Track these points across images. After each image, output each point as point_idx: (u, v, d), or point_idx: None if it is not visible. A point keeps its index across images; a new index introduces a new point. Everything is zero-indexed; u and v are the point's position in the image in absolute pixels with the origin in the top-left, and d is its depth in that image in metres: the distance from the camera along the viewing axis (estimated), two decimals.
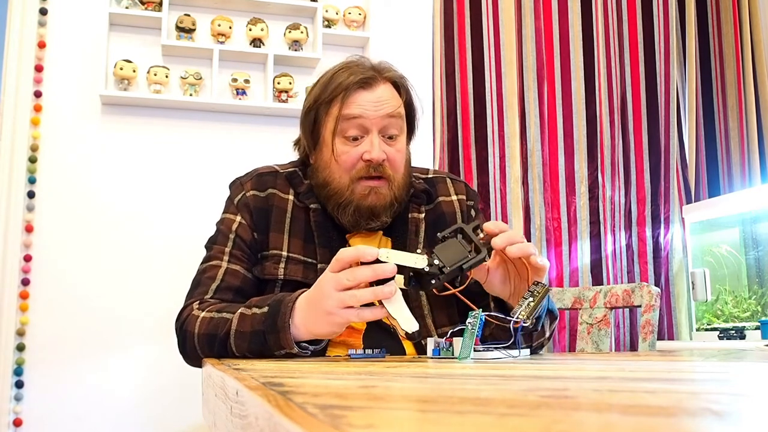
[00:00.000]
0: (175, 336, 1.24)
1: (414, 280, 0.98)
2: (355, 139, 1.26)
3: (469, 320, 0.97)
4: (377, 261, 0.96)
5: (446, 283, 1.00)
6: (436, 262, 0.96)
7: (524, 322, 1.01)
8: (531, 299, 1.03)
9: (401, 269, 0.96)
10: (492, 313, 1.04)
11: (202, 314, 1.17)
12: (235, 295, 1.24)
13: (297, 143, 1.40)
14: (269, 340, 1.05)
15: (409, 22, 2.78)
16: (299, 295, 1.07)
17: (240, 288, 1.25)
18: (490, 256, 1.00)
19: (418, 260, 0.95)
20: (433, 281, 0.96)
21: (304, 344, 1.07)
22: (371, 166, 1.25)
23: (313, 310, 1.02)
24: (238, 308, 1.12)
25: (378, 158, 1.25)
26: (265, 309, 1.08)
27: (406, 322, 0.94)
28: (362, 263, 0.98)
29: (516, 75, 2.75)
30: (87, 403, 2.29)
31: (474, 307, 1.05)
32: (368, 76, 1.28)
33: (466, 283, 1.04)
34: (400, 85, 1.32)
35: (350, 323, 0.98)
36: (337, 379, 0.60)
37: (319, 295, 1.01)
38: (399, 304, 0.94)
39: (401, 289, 0.98)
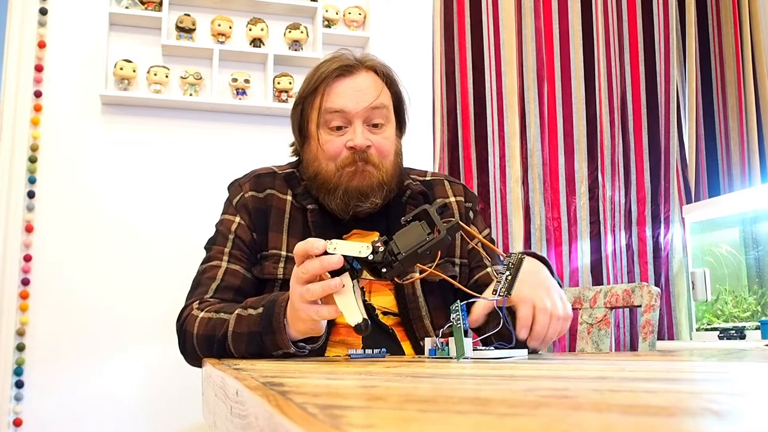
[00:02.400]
0: (176, 335, 1.24)
1: (370, 271, 0.96)
2: (339, 128, 1.27)
3: (452, 316, 0.97)
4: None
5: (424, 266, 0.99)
6: (394, 249, 0.93)
7: (506, 296, 1.01)
8: (508, 273, 1.03)
9: (359, 261, 0.94)
10: (471, 300, 1.03)
11: (201, 314, 1.17)
12: (236, 295, 1.24)
13: (292, 144, 1.41)
14: (266, 342, 1.05)
15: (409, 22, 2.78)
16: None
17: (240, 287, 1.25)
18: (452, 237, 0.96)
19: (362, 250, 0.93)
20: (384, 270, 0.93)
21: (301, 344, 1.07)
22: (356, 153, 1.26)
23: (290, 307, 1.02)
24: (236, 309, 1.12)
25: (361, 145, 1.25)
26: (260, 310, 1.07)
27: (350, 314, 0.92)
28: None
29: (516, 75, 2.75)
30: (87, 403, 2.29)
31: (463, 288, 1.04)
32: (348, 64, 1.29)
33: (429, 270, 1.02)
34: (382, 74, 1.32)
35: (313, 319, 0.98)
36: (337, 379, 0.60)
37: (290, 290, 1.01)
38: (348, 296, 0.92)
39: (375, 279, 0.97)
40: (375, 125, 1.29)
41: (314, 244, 0.94)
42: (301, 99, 1.32)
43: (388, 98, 1.31)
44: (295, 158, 1.42)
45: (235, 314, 1.11)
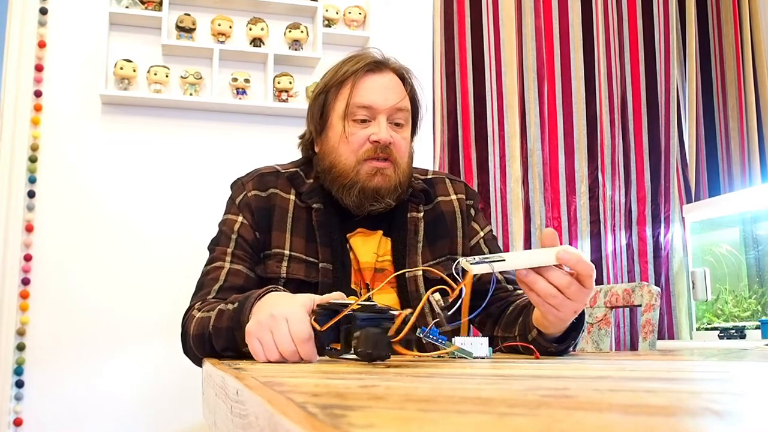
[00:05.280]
0: (180, 337, 1.24)
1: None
2: (364, 121, 1.29)
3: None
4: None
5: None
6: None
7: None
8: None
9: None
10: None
11: (198, 314, 1.17)
12: (238, 294, 1.24)
13: (302, 137, 1.41)
14: (237, 337, 1.04)
15: (409, 21, 2.78)
16: (263, 293, 1.04)
17: (243, 287, 1.25)
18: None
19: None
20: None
21: None
22: (378, 147, 1.28)
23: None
24: (218, 307, 1.12)
25: (385, 139, 1.27)
26: (236, 305, 1.07)
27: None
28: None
29: (516, 74, 2.75)
30: (87, 403, 2.29)
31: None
32: (377, 61, 1.33)
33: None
34: (405, 78, 1.36)
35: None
36: (337, 379, 0.60)
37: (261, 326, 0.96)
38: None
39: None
40: (396, 124, 1.32)
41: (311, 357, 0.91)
42: (325, 90, 1.34)
43: (408, 102, 1.34)
44: (300, 156, 1.42)
45: (216, 309, 1.11)
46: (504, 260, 0.93)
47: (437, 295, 0.94)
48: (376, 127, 1.28)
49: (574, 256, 0.96)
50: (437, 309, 0.94)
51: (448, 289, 0.94)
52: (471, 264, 0.91)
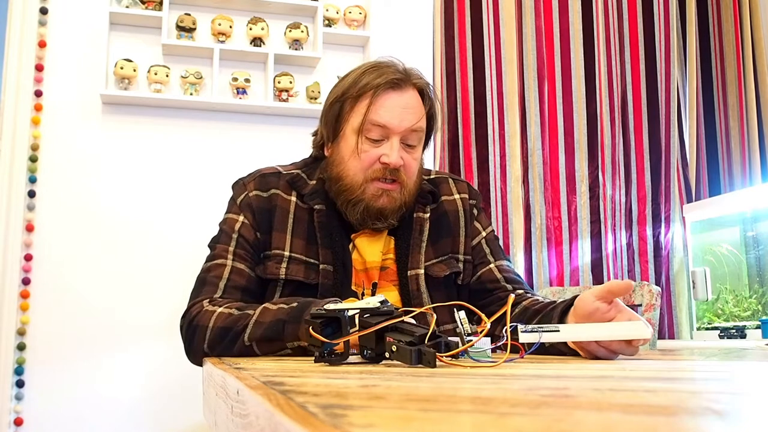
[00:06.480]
0: (180, 334, 1.24)
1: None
2: (377, 140, 1.28)
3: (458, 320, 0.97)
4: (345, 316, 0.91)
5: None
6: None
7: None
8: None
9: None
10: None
11: (220, 309, 1.17)
12: (242, 294, 1.24)
13: (315, 134, 1.41)
14: (286, 329, 1.07)
15: (410, 21, 2.78)
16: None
17: (246, 287, 1.25)
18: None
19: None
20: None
21: None
22: (387, 169, 1.27)
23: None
24: (261, 305, 1.15)
25: (396, 163, 1.27)
26: (294, 304, 1.10)
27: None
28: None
29: (516, 74, 2.75)
30: (87, 403, 2.29)
31: (477, 311, 1.03)
32: (398, 77, 1.30)
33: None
34: (425, 95, 1.34)
35: None
36: (337, 379, 0.60)
37: None
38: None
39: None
40: (409, 145, 1.30)
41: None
42: (342, 98, 1.31)
43: (424, 122, 1.33)
44: (308, 155, 1.42)
45: (261, 307, 1.13)
46: (558, 331, 0.93)
47: (463, 314, 0.93)
48: (388, 149, 1.27)
49: (635, 350, 0.96)
50: (460, 328, 0.93)
51: (477, 311, 0.94)
52: (521, 332, 0.91)
